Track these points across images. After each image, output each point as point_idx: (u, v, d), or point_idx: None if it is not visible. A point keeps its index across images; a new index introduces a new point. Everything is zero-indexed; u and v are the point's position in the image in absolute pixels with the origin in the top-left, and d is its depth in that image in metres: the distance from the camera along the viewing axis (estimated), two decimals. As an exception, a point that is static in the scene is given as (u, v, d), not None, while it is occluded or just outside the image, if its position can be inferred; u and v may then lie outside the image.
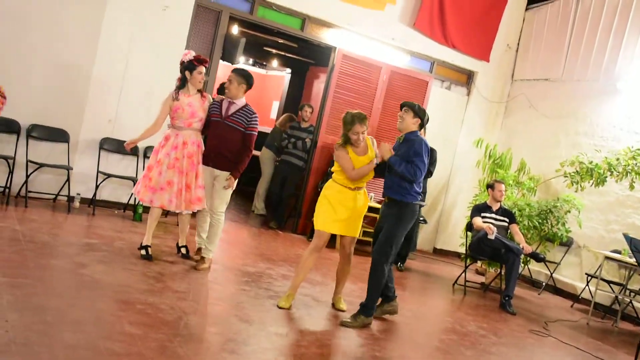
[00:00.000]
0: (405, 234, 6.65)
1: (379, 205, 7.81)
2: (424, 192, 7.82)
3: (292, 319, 4.63)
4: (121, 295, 4.21)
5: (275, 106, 13.24)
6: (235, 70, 5.44)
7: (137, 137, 5.48)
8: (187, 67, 5.37)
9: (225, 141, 5.35)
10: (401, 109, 5.04)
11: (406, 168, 4.79)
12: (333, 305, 5.20)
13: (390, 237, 4.88)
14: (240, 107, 5.39)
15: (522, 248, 6.85)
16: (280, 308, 4.80)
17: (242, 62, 12.42)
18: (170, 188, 5.28)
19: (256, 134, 5.42)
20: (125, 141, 6.94)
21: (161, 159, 5.29)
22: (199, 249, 5.67)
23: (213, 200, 5.44)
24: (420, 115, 4.98)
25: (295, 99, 11.83)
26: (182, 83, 5.41)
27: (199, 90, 5.48)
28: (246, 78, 5.39)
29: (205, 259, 5.47)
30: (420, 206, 5.13)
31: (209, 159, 5.44)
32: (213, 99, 5.74)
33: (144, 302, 4.17)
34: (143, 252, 5.33)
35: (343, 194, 4.97)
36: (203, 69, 5.41)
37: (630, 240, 5.39)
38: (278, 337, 4.12)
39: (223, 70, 8.72)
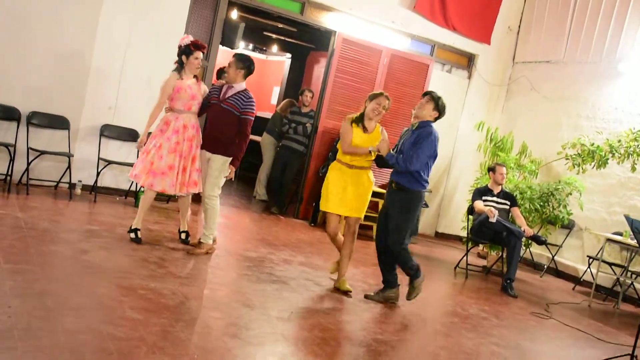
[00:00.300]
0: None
1: (382, 190, 7.80)
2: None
3: (294, 303, 4.63)
4: (123, 281, 4.21)
5: (275, 91, 13.19)
6: (236, 55, 5.44)
7: (144, 130, 5.41)
8: (184, 51, 5.35)
9: (219, 124, 5.34)
10: (423, 97, 5.07)
11: (397, 160, 4.87)
12: (338, 288, 5.20)
13: (401, 225, 5.02)
14: (237, 91, 5.36)
15: (524, 231, 6.84)
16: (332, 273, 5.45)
17: (242, 47, 12.35)
18: (171, 172, 5.26)
19: (252, 118, 5.36)
20: (125, 127, 7.05)
21: (162, 143, 5.26)
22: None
23: (205, 184, 5.41)
24: (440, 109, 5.03)
25: (295, 84, 11.77)
26: (180, 66, 5.39)
27: (195, 77, 5.46)
28: (245, 62, 5.37)
29: (203, 244, 5.46)
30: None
31: (204, 143, 5.44)
32: (214, 84, 5.73)
33: (146, 287, 4.17)
34: (132, 235, 5.31)
35: (343, 172, 5.11)
36: (200, 55, 5.39)
37: (631, 222, 5.37)
38: (280, 322, 4.13)
39: (223, 55, 8.67)
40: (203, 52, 5.44)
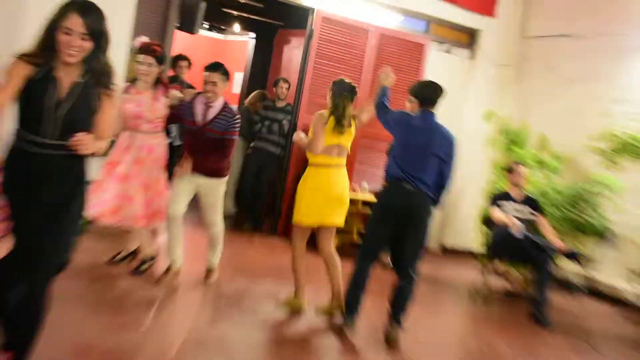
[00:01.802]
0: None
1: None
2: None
3: (289, 356, 4.37)
4: (79, 339, 3.91)
5: (238, 78, 12.82)
6: (217, 69, 5.28)
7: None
8: None
9: (207, 155, 5.35)
10: None
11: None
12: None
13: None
14: (220, 110, 5.32)
15: (556, 246, 6.59)
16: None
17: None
18: (132, 202, 5.08)
19: (237, 137, 5.50)
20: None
21: (119, 171, 5.07)
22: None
23: (206, 214, 5.54)
24: (414, 94, 5.30)
25: (262, 68, 11.49)
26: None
27: (163, 83, 5.27)
28: (228, 75, 5.37)
29: (212, 272, 5.71)
30: (389, 189, 5.07)
31: (194, 165, 5.38)
32: (182, 101, 5.46)
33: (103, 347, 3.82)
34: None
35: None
36: (149, 59, 5.09)
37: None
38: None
39: (180, 41, 8.32)
40: (155, 56, 5.13)
